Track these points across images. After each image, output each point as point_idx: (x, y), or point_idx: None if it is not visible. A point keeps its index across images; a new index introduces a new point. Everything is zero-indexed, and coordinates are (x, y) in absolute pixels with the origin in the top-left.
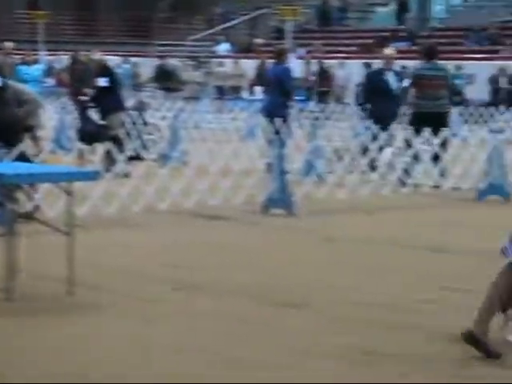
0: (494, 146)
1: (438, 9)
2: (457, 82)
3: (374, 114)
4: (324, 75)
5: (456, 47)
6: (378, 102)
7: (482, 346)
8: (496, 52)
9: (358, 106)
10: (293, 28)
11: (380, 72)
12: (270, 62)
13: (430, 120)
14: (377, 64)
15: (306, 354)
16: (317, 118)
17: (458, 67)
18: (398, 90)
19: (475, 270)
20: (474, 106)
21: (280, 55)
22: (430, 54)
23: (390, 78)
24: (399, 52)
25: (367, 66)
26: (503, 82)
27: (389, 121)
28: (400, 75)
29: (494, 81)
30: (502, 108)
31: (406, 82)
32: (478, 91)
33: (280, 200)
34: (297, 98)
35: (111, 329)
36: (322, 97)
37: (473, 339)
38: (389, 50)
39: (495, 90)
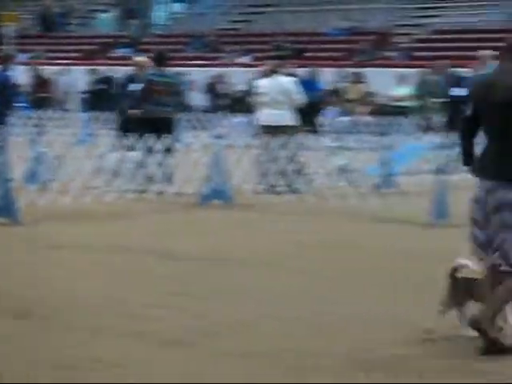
0: (215, 151)
1: (160, 15)
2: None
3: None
4: (41, 81)
5: (178, 53)
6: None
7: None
8: (216, 59)
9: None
10: (13, 33)
11: (132, 79)
12: None
13: (156, 125)
14: (102, 70)
15: (36, 365)
16: (37, 125)
17: (181, 74)
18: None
19: (200, 274)
20: (195, 111)
21: (6, 61)
22: (159, 61)
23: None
24: (122, 58)
25: (93, 72)
26: (222, 89)
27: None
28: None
29: (211, 87)
30: (222, 114)
31: (138, 87)
32: (199, 97)
33: (3, 208)
34: (18, 104)
35: None
36: (41, 103)
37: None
38: (141, 58)
39: (213, 97)
